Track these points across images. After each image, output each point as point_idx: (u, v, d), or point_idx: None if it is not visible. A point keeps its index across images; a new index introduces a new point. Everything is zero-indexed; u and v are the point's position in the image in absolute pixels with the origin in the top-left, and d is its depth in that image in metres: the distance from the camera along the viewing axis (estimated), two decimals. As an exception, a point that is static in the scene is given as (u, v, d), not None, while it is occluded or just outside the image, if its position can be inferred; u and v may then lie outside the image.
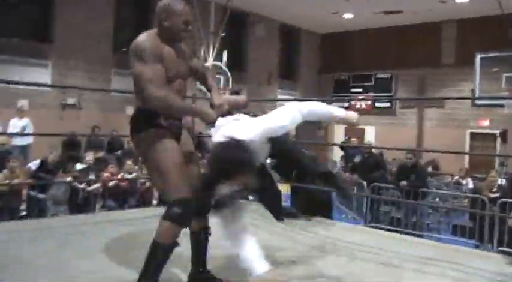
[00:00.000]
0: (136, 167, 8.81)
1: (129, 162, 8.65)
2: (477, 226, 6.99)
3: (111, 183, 7.94)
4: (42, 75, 11.17)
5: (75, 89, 11.64)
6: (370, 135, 16.72)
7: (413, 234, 6.80)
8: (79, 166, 8.25)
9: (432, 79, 15.86)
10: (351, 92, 17.55)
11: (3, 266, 3.04)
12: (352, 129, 15.33)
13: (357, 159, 10.11)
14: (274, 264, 3.42)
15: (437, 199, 8.94)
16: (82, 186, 7.64)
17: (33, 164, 8.25)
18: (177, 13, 2.72)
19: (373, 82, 17.11)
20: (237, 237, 2.54)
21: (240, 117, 2.84)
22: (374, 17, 15.56)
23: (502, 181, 9.36)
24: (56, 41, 11.57)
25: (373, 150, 10.66)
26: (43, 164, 7.83)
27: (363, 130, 17.20)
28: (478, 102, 13.02)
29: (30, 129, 9.65)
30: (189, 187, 2.60)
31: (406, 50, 16.19)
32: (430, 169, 12.15)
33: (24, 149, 9.86)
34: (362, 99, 17.53)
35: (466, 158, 14.35)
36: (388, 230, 6.68)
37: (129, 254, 3.32)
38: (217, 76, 12.43)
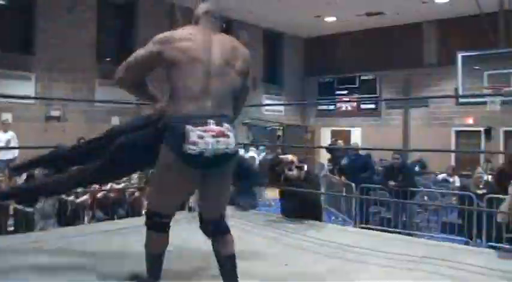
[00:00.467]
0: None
1: (116, 172, 8.58)
2: (466, 223, 7.06)
3: (99, 194, 7.89)
4: (26, 87, 11.06)
5: (59, 101, 11.57)
6: (356, 136, 16.81)
7: (404, 234, 6.85)
8: (66, 178, 8.19)
9: (416, 79, 16.00)
10: (336, 95, 17.62)
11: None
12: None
13: (345, 161, 10.14)
14: (267, 268, 3.42)
15: (425, 198, 9.00)
16: (70, 198, 7.58)
17: (20, 178, 8.17)
18: None
19: (358, 84, 17.21)
20: None
21: None
22: (356, 20, 15.67)
23: (488, 177, 9.47)
24: (38, 52, 11.49)
25: (360, 151, 10.72)
26: (30, 178, 7.76)
27: (349, 132, 17.31)
28: (461, 100, 13.13)
29: (15, 143, 9.56)
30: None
31: (390, 51, 16.32)
32: (417, 168, 12.25)
33: (9, 162, 9.76)
34: (347, 101, 17.62)
35: (453, 155, 14.49)
36: (379, 230, 6.71)
37: (122, 264, 3.30)
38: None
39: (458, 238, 7.15)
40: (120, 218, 7.40)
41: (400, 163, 8.62)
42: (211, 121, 2.37)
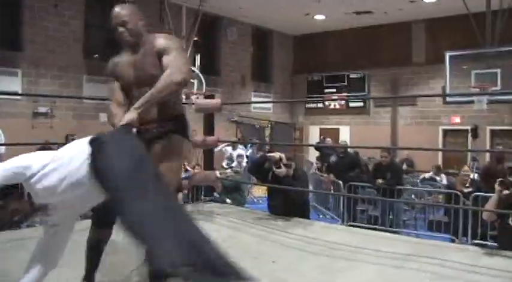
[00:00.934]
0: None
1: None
2: (452, 220, 7.11)
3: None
4: (12, 83, 10.95)
5: (47, 97, 11.47)
6: (345, 134, 16.87)
7: (391, 231, 6.89)
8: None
9: (404, 78, 16.09)
10: (325, 93, 17.66)
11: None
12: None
13: (333, 159, 10.18)
14: (254, 265, 3.43)
15: (412, 196, 9.06)
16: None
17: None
18: (112, 19, 2.77)
19: (346, 82, 17.25)
20: None
21: None
22: (345, 18, 15.71)
23: (474, 175, 9.55)
24: (25, 48, 11.36)
25: (349, 149, 10.76)
26: (16, 174, 7.69)
27: (337, 130, 17.35)
28: (449, 99, 13.23)
29: (1, 140, 9.45)
30: None
31: (378, 50, 16.38)
32: (404, 166, 12.32)
33: (-4, 159, 9.68)
34: (336, 99, 17.66)
35: (440, 154, 14.59)
36: (366, 228, 6.75)
37: (107, 261, 3.29)
38: (191, 80, 12.41)
39: (445, 236, 7.20)
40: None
41: (388, 161, 8.66)
42: None
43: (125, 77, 2.83)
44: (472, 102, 11.30)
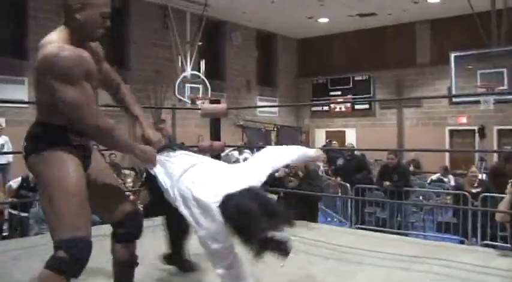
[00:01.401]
0: (120, 180, 8.74)
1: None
2: (461, 222, 7.08)
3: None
4: (19, 92, 11.02)
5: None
6: (351, 137, 16.84)
7: (399, 234, 6.86)
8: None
9: (409, 79, 16.06)
10: (330, 96, 17.65)
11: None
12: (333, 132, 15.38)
13: (340, 161, 10.16)
14: (262, 269, 3.42)
15: (420, 197, 9.02)
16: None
17: (14, 182, 8.13)
18: (95, 3, 2.12)
19: (351, 85, 17.25)
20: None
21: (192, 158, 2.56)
22: (349, 20, 15.72)
23: (482, 176, 9.50)
24: (31, 57, 11.42)
25: (355, 152, 10.74)
26: (24, 182, 7.73)
27: (343, 133, 17.33)
28: (455, 100, 13.19)
29: (8, 148, 9.51)
30: (88, 226, 2.13)
31: (383, 52, 16.37)
32: (411, 168, 12.27)
33: (4, 167, 9.72)
34: (341, 102, 17.64)
35: (447, 155, 14.54)
36: (374, 230, 6.73)
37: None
38: (196, 86, 12.43)
39: (454, 237, 7.17)
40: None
41: (395, 163, 8.63)
42: None
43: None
44: (478, 102, 11.24)
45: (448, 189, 9.62)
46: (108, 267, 2.64)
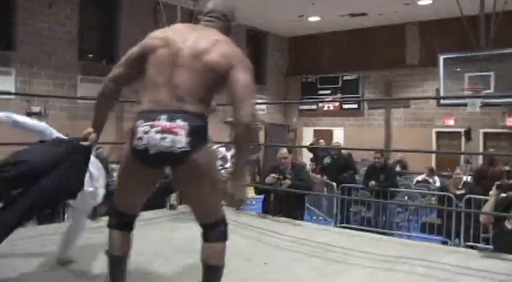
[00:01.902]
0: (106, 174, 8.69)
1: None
2: (445, 222, 7.15)
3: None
4: (6, 83, 10.90)
5: (40, 97, 11.42)
6: (338, 136, 16.90)
7: (383, 233, 6.91)
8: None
9: (398, 80, 16.14)
10: (319, 94, 17.68)
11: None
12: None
13: (327, 160, 10.19)
14: (246, 267, 3.43)
15: (405, 198, 9.09)
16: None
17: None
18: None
19: (340, 84, 17.29)
20: None
21: None
22: (340, 20, 15.74)
23: (467, 178, 9.60)
24: (18, 48, 11.32)
25: (342, 151, 10.78)
26: None
27: (331, 131, 17.38)
28: (442, 102, 13.30)
29: (-6, 139, 9.42)
30: None
31: (372, 52, 16.42)
32: (398, 168, 12.36)
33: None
34: (330, 101, 17.68)
35: (433, 156, 14.64)
36: (359, 229, 6.77)
37: (102, 261, 3.28)
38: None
39: (437, 238, 7.24)
40: (100, 215, 7.33)
41: (382, 163, 8.69)
42: (163, 116, 2.24)
43: None
44: (465, 105, 11.34)
45: (433, 190, 9.71)
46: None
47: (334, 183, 9.05)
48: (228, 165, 11.39)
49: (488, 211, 4.59)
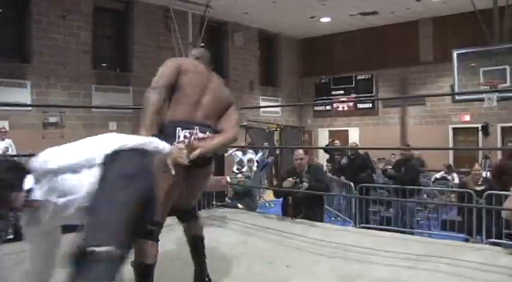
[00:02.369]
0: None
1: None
2: (465, 220, 7.06)
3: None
4: (22, 95, 11.04)
5: (56, 108, 11.55)
6: (354, 136, 16.83)
7: (404, 232, 6.85)
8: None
9: (412, 77, 16.03)
10: (332, 95, 17.64)
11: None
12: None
13: (344, 160, 10.15)
14: (268, 269, 3.42)
15: (425, 196, 9.00)
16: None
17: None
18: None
19: (354, 84, 17.23)
20: None
21: None
22: (351, 19, 15.70)
23: (486, 173, 9.48)
24: (33, 60, 11.46)
25: (359, 150, 10.72)
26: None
27: (347, 132, 17.32)
28: (458, 97, 13.18)
29: (13, 151, 9.54)
30: None
31: (385, 50, 16.35)
32: (415, 166, 12.25)
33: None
34: (344, 101, 17.62)
35: (451, 153, 14.50)
36: (379, 229, 6.72)
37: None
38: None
39: (459, 235, 7.15)
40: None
41: (406, 158, 8.69)
42: (197, 127, 2.83)
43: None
44: (481, 99, 11.22)
45: (452, 187, 9.60)
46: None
47: (352, 184, 9.00)
48: (244, 169, 11.46)
49: (510, 206, 4.52)
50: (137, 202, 1.95)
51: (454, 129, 15.25)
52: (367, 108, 17.12)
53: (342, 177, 9.68)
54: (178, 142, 2.70)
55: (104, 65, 12.99)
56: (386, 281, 3.24)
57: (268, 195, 11.34)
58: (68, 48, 11.89)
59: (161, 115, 2.84)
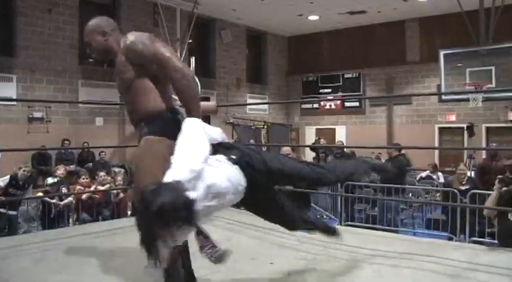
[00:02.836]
0: (109, 178, 8.72)
1: (102, 173, 8.54)
2: (449, 218, 7.13)
3: (84, 196, 7.82)
4: (7, 89, 10.93)
5: (42, 102, 11.44)
6: (341, 134, 16.89)
7: (388, 231, 6.89)
8: (50, 180, 8.08)
9: (399, 76, 16.14)
10: (320, 93, 17.69)
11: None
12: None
13: (330, 159, 10.18)
14: (252, 267, 3.42)
15: (410, 194, 9.07)
16: (54, 201, 7.49)
17: (2, 181, 8.03)
18: None
19: (341, 82, 17.30)
20: None
21: None
22: (339, 18, 15.75)
23: (471, 173, 9.57)
24: (20, 54, 11.34)
25: (345, 149, 10.77)
26: (13, 180, 7.65)
27: (333, 130, 17.37)
28: (444, 97, 13.28)
29: (-2, 145, 9.43)
30: None
31: (372, 49, 16.43)
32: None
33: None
34: (331, 99, 17.68)
35: (436, 152, 14.62)
36: (364, 227, 6.75)
37: (107, 265, 3.28)
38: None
39: (442, 234, 7.22)
40: (105, 219, 7.35)
41: (394, 155, 8.71)
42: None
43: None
44: (467, 100, 11.32)
45: (437, 186, 9.68)
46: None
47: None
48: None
49: (490, 205, 4.58)
50: None
51: (440, 128, 15.38)
52: (354, 106, 17.20)
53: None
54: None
55: (91, 60, 12.88)
56: (370, 279, 3.26)
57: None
58: (54, 42, 11.79)
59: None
